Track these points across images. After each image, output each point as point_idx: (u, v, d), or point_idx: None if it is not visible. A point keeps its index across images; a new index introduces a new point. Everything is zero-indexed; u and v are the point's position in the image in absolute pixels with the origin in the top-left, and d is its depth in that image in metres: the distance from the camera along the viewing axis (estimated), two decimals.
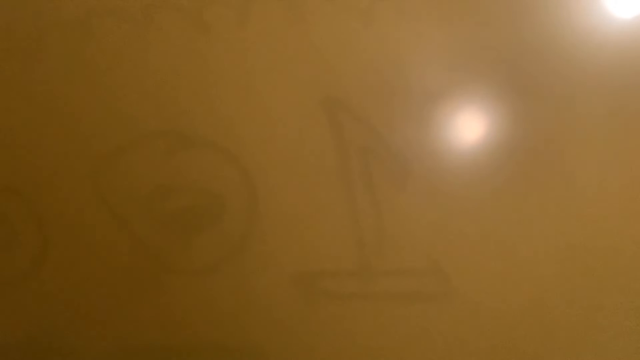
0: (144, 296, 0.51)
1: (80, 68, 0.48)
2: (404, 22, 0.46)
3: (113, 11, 0.46)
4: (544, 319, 0.50)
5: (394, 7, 0.46)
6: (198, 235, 0.51)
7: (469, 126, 0.48)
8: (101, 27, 0.47)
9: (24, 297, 0.51)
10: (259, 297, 0.51)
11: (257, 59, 0.48)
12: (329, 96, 0.48)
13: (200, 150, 0.49)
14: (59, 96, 0.48)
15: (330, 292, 0.51)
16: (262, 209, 0.50)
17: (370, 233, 0.50)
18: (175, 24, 0.47)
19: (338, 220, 0.50)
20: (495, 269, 0.49)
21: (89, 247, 0.51)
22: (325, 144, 0.49)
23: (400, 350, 0.51)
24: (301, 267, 0.51)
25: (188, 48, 0.47)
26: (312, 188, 0.50)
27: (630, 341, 0.50)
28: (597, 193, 0.49)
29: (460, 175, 0.48)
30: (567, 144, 0.48)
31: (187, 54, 0.48)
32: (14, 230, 0.50)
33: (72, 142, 0.49)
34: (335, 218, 0.50)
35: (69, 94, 0.48)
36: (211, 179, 0.50)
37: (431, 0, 0.47)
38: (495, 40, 0.47)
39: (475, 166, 0.48)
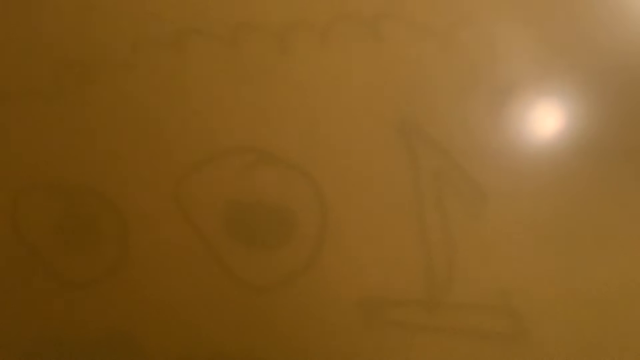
0: (214, 307, 0.52)
1: (169, 82, 0.51)
2: (482, 46, 0.45)
3: (202, 30, 0.49)
4: None
5: (471, 30, 0.45)
6: (268, 251, 0.51)
7: (548, 151, 0.46)
8: (191, 45, 0.50)
9: (103, 297, 0.53)
10: (320, 320, 0.51)
11: (336, 81, 0.48)
12: (404, 119, 0.47)
13: (276, 167, 0.51)
14: (148, 107, 0.51)
15: (394, 321, 0.49)
16: (331, 229, 0.50)
17: (440, 263, 0.48)
18: (260, 44, 0.49)
19: (408, 248, 0.49)
20: (574, 312, 0.46)
21: (166, 253, 0.52)
22: (399, 168, 0.48)
23: None
24: (366, 292, 0.50)
25: (270, 67, 0.49)
26: (383, 212, 0.49)
27: None
28: None
29: (540, 204, 0.46)
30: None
31: (268, 73, 0.49)
32: (98, 231, 0.53)
33: (156, 152, 0.52)
34: (405, 245, 0.49)
35: (157, 106, 0.51)
36: (285, 196, 0.51)
37: (513, 20, 0.45)
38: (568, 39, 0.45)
39: (557, 194, 0.46)
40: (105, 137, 0.51)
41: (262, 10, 0.48)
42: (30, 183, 0.53)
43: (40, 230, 0.53)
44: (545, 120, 0.46)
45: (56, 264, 0.53)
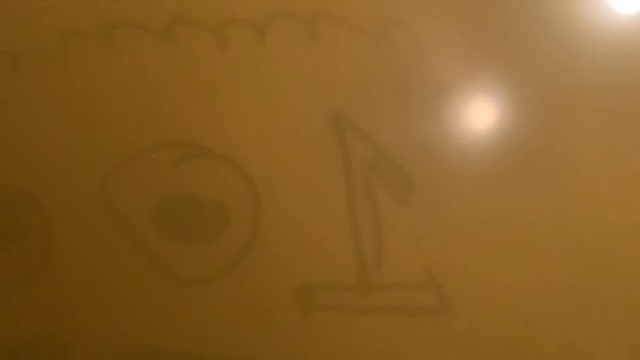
0: (146, 303, 0.52)
1: (99, 75, 0.50)
2: (413, 45, 0.49)
3: (136, 23, 0.49)
4: (545, 332, 0.52)
5: (403, 30, 0.49)
6: (201, 244, 0.52)
7: (472, 143, 0.51)
8: (122, 37, 0.49)
9: (26, 298, 0.51)
10: (257, 309, 0.52)
11: (270, 75, 0.50)
12: (336, 112, 0.50)
13: (208, 161, 0.51)
14: (75, 100, 0.49)
15: (329, 305, 0.52)
16: (265, 221, 0.51)
17: (370, 247, 0.51)
18: (196, 39, 0.49)
19: (338, 234, 0.51)
20: (495, 284, 0.51)
21: (93, 252, 0.51)
22: (331, 159, 0.51)
23: None
24: (301, 279, 0.52)
25: (205, 63, 0.50)
26: (315, 201, 0.51)
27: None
28: (605, 194, 0.51)
29: (463, 192, 0.51)
30: (571, 145, 0.51)
31: (203, 68, 0.50)
32: (21, 230, 0.50)
33: (84, 148, 0.50)
34: (336, 232, 0.51)
35: (86, 99, 0.50)
36: (217, 190, 0.51)
37: (444, 21, 0.50)
38: (496, 39, 0.50)
39: (478, 183, 0.51)
40: (30, 131, 0.49)
41: (199, 5, 0.49)
42: None
43: None
44: (471, 115, 0.51)
45: None
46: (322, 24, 0.49)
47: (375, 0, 0.49)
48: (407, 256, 0.51)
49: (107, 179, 0.51)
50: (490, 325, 0.51)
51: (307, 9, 0.48)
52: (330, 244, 0.52)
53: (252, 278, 0.52)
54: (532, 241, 0.51)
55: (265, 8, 0.49)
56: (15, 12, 0.48)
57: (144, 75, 0.50)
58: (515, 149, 0.51)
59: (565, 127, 0.51)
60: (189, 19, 0.49)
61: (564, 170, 0.51)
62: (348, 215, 0.51)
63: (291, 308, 0.52)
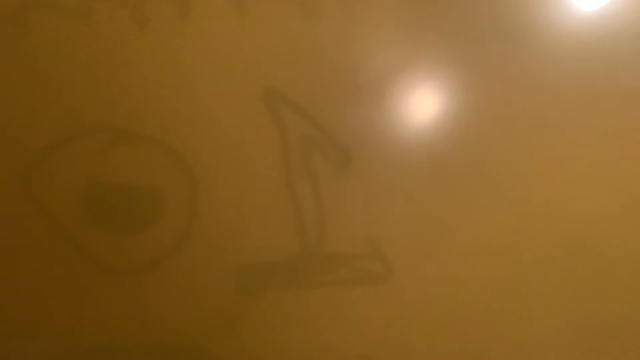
0: (78, 297, 0.50)
1: (14, 62, 0.46)
2: (346, 13, 0.48)
3: (50, 3, 0.46)
4: (484, 300, 0.53)
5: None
6: (136, 233, 0.50)
7: (408, 113, 0.51)
8: (37, 20, 0.46)
9: None
10: (201, 294, 0.51)
11: (197, 53, 0.48)
12: (268, 87, 0.49)
13: (137, 146, 0.49)
14: None
15: (272, 283, 0.51)
16: (203, 204, 0.50)
17: (311, 221, 0.51)
18: (115, 17, 0.47)
19: (279, 210, 0.51)
20: (435, 252, 0.52)
21: (18, 246, 0.49)
22: (266, 135, 0.50)
23: (344, 334, 0.52)
24: (243, 260, 0.51)
25: (126, 41, 0.47)
26: (253, 180, 0.50)
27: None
28: (535, 176, 0.52)
29: (400, 162, 0.51)
30: (510, 127, 0.52)
31: (125, 47, 0.47)
32: None
33: (2, 138, 0.47)
34: (276, 208, 0.51)
35: (1, 88, 0.47)
36: (150, 175, 0.50)
37: None
38: (443, 21, 0.50)
39: (414, 152, 0.51)
40: None
41: None
42: None
43: None
44: (406, 84, 0.51)
45: None
46: None
47: None
48: (348, 228, 0.51)
49: (29, 168, 0.48)
50: (434, 293, 0.53)
51: None
52: (271, 220, 0.51)
53: (192, 264, 0.51)
54: (467, 221, 0.53)
55: None
56: None
57: (60, 57, 0.47)
58: (453, 131, 0.51)
59: (507, 116, 0.52)
60: None
61: (502, 160, 0.52)
62: (286, 190, 0.51)
63: (235, 289, 0.51)
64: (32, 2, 0.45)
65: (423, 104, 0.51)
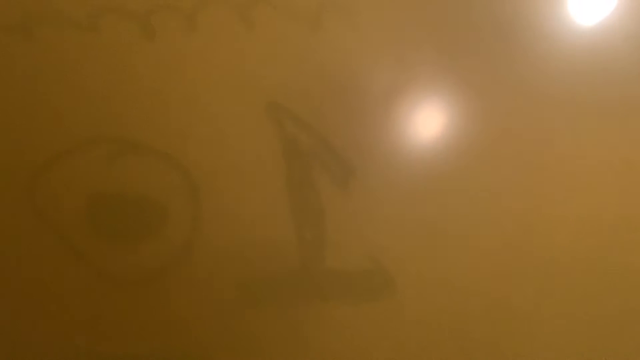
0: (81, 307, 0.50)
1: (19, 73, 0.47)
2: (351, 29, 0.48)
3: (57, 16, 0.46)
4: (489, 319, 0.53)
5: (341, 13, 0.48)
6: (139, 244, 0.50)
7: (411, 128, 0.51)
8: (43, 32, 0.46)
9: None
10: (203, 306, 0.51)
11: (202, 66, 0.48)
12: (272, 101, 0.49)
13: (141, 157, 0.49)
14: None
15: (274, 296, 0.51)
16: (205, 215, 0.50)
17: (312, 236, 0.51)
18: (122, 30, 0.47)
19: (281, 224, 0.51)
20: (439, 269, 0.52)
21: (25, 259, 0.49)
22: (269, 149, 0.50)
23: (345, 352, 0.52)
24: (245, 272, 0.51)
25: (133, 54, 0.48)
26: (255, 193, 0.50)
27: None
28: (542, 191, 0.52)
29: (403, 177, 0.51)
30: (516, 142, 0.52)
31: (130, 59, 0.48)
32: None
33: (7, 149, 0.48)
34: (278, 222, 0.51)
35: (6, 99, 0.47)
36: (153, 186, 0.50)
37: (380, 6, 0.49)
38: (447, 39, 0.51)
39: (418, 167, 0.51)
40: None
41: None
42: None
43: None
44: (410, 100, 0.51)
45: None
46: (255, 9, 0.47)
47: None
48: (350, 244, 0.51)
49: (33, 179, 0.48)
50: (438, 311, 0.52)
51: None
52: (272, 235, 0.51)
53: (194, 276, 0.50)
54: (467, 235, 0.52)
55: None
56: None
57: (68, 69, 0.47)
58: (458, 144, 0.51)
59: (513, 131, 0.52)
60: (112, 7, 0.46)
61: (503, 171, 0.52)
62: (288, 203, 0.51)
63: (237, 301, 0.51)
64: (38, 15, 0.46)
65: (428, 120, 0.51)
